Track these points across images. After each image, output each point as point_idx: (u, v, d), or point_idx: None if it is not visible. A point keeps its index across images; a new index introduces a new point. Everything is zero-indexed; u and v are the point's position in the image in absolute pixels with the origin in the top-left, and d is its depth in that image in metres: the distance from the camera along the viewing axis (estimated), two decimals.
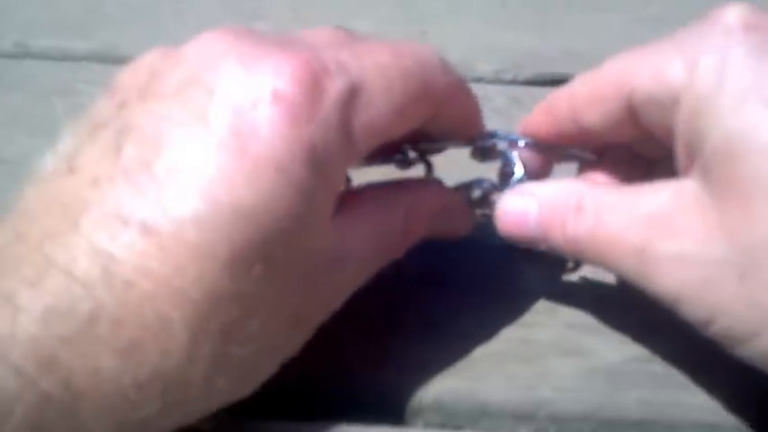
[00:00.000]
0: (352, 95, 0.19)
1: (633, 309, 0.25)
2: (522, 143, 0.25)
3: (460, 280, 0.26)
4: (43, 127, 0.32)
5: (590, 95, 0.23)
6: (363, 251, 0.21)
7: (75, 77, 0.35)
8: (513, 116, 0.32)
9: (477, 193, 0.25)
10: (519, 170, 0.25)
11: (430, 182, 0.26)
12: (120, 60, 0.36)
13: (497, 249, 0.27)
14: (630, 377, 0.23)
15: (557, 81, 0.34)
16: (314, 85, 0.18)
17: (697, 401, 0.23)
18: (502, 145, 0.25)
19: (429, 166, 0.26)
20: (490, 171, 0.26)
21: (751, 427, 0.22)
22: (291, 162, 0.18)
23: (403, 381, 0.23)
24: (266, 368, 0.20)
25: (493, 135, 0.25)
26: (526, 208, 0.23)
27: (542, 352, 0.24)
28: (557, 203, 0.22)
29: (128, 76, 0.20)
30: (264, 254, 0.18)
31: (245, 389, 0.20)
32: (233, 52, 0.19)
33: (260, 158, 0.18)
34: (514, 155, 0.25)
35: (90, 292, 0.16)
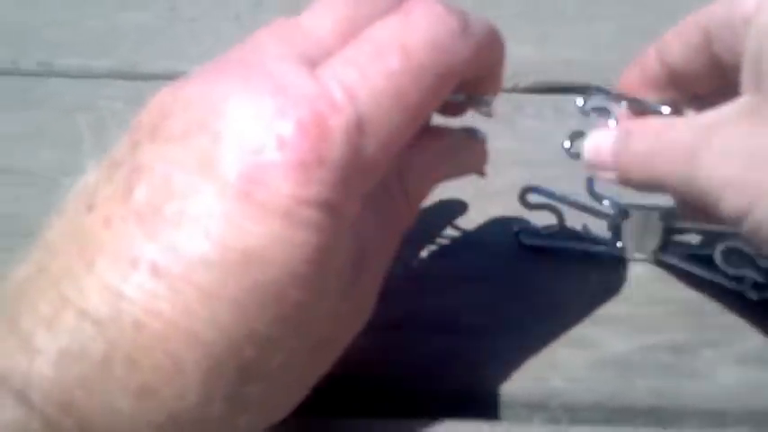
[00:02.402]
0: (361, 126, 0.18)
1: (639, 300, 0.26)
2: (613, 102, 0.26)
3: (469, 277, 0.27)
4: (67, 141, 0.34)
5: (674, 32, 0.24)
6: (374, 236, 0.20)
7: (97, 94, 0.36)
8: (516, 122, 0.34)
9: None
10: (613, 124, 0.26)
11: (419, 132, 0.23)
12: (138, 77, 0.39)
13: (504, 249, 0.28)
14: (639, 367, 0.24)
15: (555, 88, 0.36)
16: (319, 127, 0.18)
17: (704, 389, 0.23)
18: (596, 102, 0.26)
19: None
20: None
21: (758, 413, 0.23)
22: (300, 207, 0.17)
23: (416, 376, 0.24)
24: (293, 396, 0.20)
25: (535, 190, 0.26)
26: (606, 136, 0.24)
27: (552, 345, 0.25)
28: (631, 127, 0.24)
29: (143, 116, 0.19)
30: (277, 296, 0.17)
31: (273, 417, 0.19)
32: (238, 94, 0.18)
33: (267, 205, 0.17)
34: (613, 113, 0.26)
35: (101, 332, 0.16)
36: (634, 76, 0.26)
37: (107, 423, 0.16)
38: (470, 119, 0.25)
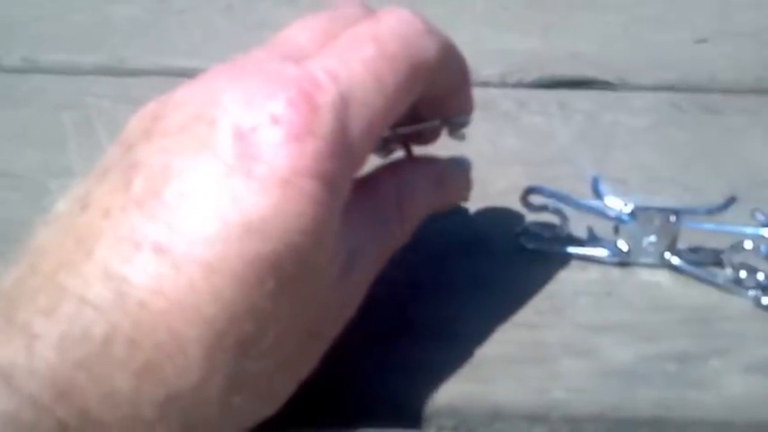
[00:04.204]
0: (346, 104, 0.20)
1: (644, 307, 0.26)
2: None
3: (469, 283, 0.26)
4: (53, 141, 0.33)
5: None
6: (366, 249, 0.22)
7: (83, 91, 0.35)
8: (521, 119, 0.32)
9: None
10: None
11: (413, 160, 0.26)
12: (126, 73, 0.38)
13: (505, 252, 0.27)
14: (642, 377, 0.23)
15: (562, 83, 0.35)
16: (308, 104, 0.19)
17: (710, 399, 0.23)
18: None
19: (409, 151, 0.26)
20: (465, 149, 0.26)
21: (764, 424, 0.22)
22: (296, 178, 0.18)
23: (415, 385, 0.23)
24: (284, 386, 0.20)
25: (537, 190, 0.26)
26: None
27: (553, 353, 0.24)
28: None
29: (132, 124, 0.20)
30: (276, 269, 0.18)
31: (266, 408, 0.20)
32: (229, 87, 0.20)
33: (265, 177, 0.18)
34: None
35: (102, 314, 0.17)
36: None
37: (107, 405, 0.16)
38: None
